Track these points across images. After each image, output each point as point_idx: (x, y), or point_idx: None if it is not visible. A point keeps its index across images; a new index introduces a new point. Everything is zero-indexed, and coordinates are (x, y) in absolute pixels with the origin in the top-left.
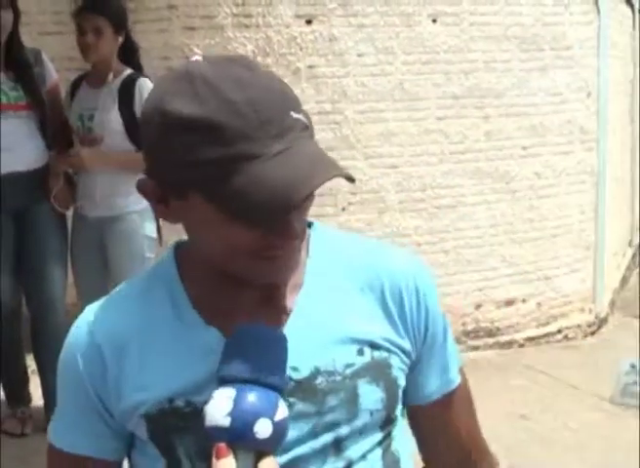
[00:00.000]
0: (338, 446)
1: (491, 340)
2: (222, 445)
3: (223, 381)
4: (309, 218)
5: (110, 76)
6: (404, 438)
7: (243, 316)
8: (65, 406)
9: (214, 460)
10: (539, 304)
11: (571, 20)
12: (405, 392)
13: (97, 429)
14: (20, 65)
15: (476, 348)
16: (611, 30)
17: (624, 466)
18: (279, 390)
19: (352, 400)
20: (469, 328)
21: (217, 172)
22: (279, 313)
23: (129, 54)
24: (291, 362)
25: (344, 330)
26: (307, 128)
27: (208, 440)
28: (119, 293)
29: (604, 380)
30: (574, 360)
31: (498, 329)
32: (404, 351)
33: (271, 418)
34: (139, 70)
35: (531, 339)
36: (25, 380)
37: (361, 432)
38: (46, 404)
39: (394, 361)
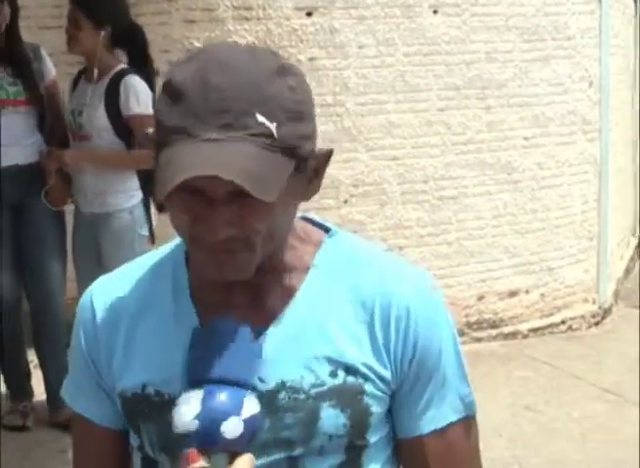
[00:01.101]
0: (292, 464)
1: (494, 331)
2: (192, 450)
3: (192, 384)
4: (328, 224)
5: (95, 72)
6: (385, 460)
7: (232, 313)
8: (74, 370)
9: (185, 466)
10: (542, 295)
11: (572, 10)
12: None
13: (97, 395)
14: (20, 61)
15: (479, 340)
16: (613, 20)
17: (627, 456)
18: (249, 386)
19: (311, 421)
20: (472, 319)
21: (163, 138)
22: (265, 316)
23: (134, 49)
24: (259, 371)
25: (323, 348)
26: (269, 137)
27: (180, 447)
28: (126, 269)
29: (608, 371)
30: (577, 351)
31: (501, 320)
32: (383, 379)
33: (240, 416)
34: (144, 66)
35: (534, 330)
36: (27, 375)
37: (320, 453)
38: (48, 397)
39: (369, 388)
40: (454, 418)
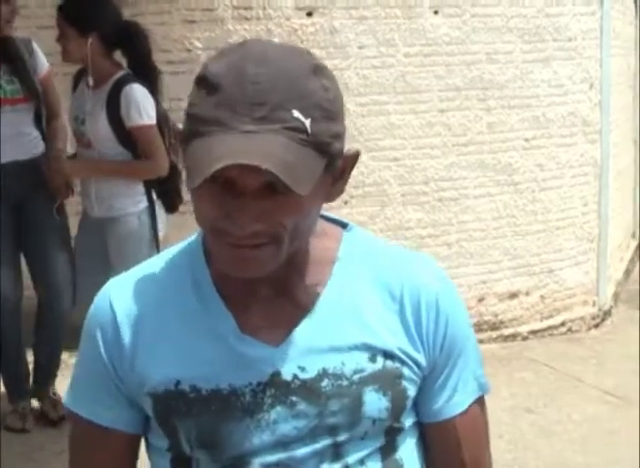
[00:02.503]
0: (336, 449)
1: (494, 333)
2: None
3: None
4: (342, 219)
5: (90, 80)
6: (413, 447)
7: (259, 307)
8: (83, 375)
9: None
10: (542, 297)
11: (573, 11)
12: (415, 405)
13: (112, 399)
14: (15, 58)
15: (480, 341)
16: (614, 21)
17: (628, 459)
18: None
19: (356, 407)
20: (473, 321)
21: (197, 129)
22: (296, 309)
23: (132, 51)
24: (299, 361)
25: (360, 335)
26: (303, 132)
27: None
28: (143, 268)
29: (608, 373)
30: (577, 353)
31: (501, 322)
32: (418, 364)
33: None
34: (145, 69)
35: (534, 332)
36: (26, 375)
37: (362, 438)
38: (36, 380)
39: (406, 372)
40: (473, 399)
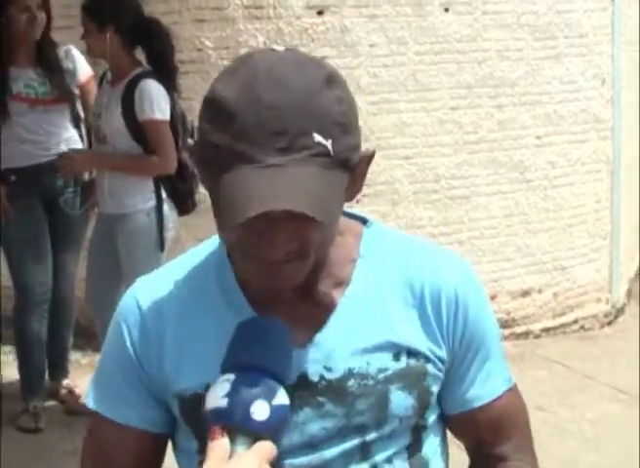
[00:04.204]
0: (364, 449)
1: (507, 331)
2: (216, 427)
3: (226, 370)
4: (361, 214)
5: (109, 75)
6: (438, 441)
7: (284, 309)
8: (109, 374)
9: (208, 442)
10: (554, 294)
11: (584, 7)
12: (439, 398)
13: (140, 399)
14: (49, 61)
15: None
16: (625, 17)
17: None
18: (280, 380)
19: (382, 405)
20: None
21: (216, 158)
22: (320, 310)
23: (150, 47)
24: (325, 361)
25: (384, 334)
26: (327, 155)
27: (207, 424)
28: (170, 268)
29: (621, 371)
30: (590, 350)
31: (513, 319)
32: (441, 360)
33: (269, 402)
34: (162, 66)
35: (547, 330)
36: (42, 375)
37: (390, 436)
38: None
39: (430, 368)
40: (500, 391)
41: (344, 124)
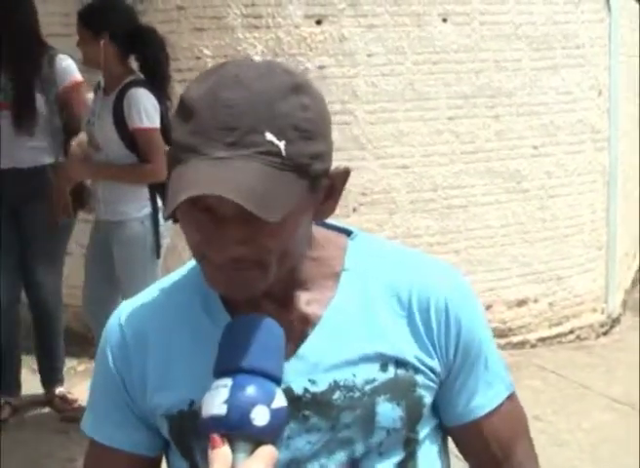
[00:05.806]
0: (354, 464)
1: (503, 341)
2: (216, 435)
3: (221, 374)
4: (345, 226)
5: (102, 83)
6: (434, 456)
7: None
8: (98, 397)
9: (209, 451)
10: (550, 304)
11: (582, 19)
12: (436, 409)
13: (128, 422)
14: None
15: None
16: (622, 29)
17: (638, 466)
18: (276, 380)
19: (369, 418)
20: None
21: (175, 154)
22: (303, 323)
23: (144, 56)
24: (309, 374)
25: (371, 344)
26: (278, 155)
27: (205, 432)
28: (154, 289)
29: (617, 381)
30: (586, 360)
31: (509, 329)
32: (433, 370)
33: (268, 406)
34: (155, 74)
35: (543, 340)
36: (17, 371)
37: (380, 452)
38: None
39: (420, 379)
40: (500, 399)
41: (307, 130)
